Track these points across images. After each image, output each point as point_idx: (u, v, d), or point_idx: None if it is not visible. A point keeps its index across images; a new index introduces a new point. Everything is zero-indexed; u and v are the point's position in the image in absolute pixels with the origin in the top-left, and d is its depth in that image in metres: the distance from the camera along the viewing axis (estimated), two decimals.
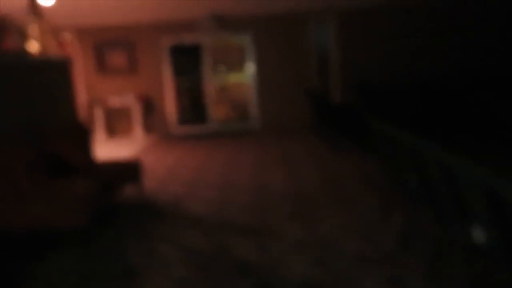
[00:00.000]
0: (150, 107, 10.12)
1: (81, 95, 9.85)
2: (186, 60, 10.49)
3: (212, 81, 10.34)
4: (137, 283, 3.23)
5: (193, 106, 10.77)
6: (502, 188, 1.96)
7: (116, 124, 10.22)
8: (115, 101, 9.85)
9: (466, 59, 9.57)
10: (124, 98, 9.86)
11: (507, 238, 2.10)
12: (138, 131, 9.89)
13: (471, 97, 8.07)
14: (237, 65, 10.41)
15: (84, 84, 10.01)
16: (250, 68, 10.14)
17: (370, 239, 3.75)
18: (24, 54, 4.99)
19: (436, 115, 7.72)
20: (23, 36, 5.13)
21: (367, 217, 4.29)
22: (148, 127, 10.16)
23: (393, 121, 4.04)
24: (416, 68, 9.60)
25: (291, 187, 5.45)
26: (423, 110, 8.01)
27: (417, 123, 7.04)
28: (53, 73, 5.37)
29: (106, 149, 8.50)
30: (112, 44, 9.94)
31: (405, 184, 3.66)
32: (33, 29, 5.30)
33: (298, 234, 3.96)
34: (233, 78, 10.46)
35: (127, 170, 5.12)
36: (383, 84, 9.34)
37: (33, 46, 5.20)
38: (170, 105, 10.22)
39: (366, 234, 3.86)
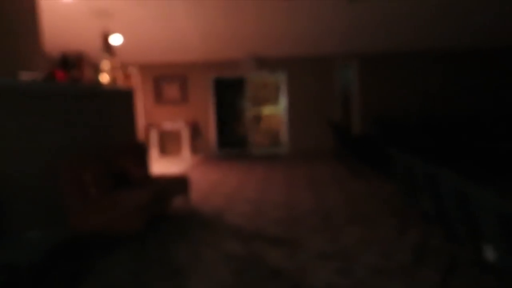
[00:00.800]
0: (197, 132, 10.25)
1: (140, 120, 10.09)
2: (229, 93, 10.63)
3: (251, 112, 10.42)
4: (183, 282, 3.23)
5: (233, 132, 10.85)
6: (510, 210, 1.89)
7: (168, 145, 10.39)
8: (168, 125, 10.03)
9: (474, 100, 9.39)
10: (176, 124, 10.04)
11: None
12: (186, 151, 10.01)
13: (476, 133, 7.89)
14: (272, 98, 10.48)
15: (143, 110, 10.26)
16: (283, 102, 10.18)
17: (388, 253, 3.64)
18: (97, 85, 5.16)
19: (441, 147, 7.53)
20: (97, 69, 5.32)
21: (384, 233, 4.18)
22: (195, 148, 10.28)
23: (406, 150, 3.96)
24: (427, 107, 9.48)
25: (317, 204, 5.38)
26: (431, 143, 7.83)
27: (425, 154, 6.89)
28: (120, 101, 5.53)
29: (159, 166, 8.63)
30: (168, 78, 10.19)
31: (420, 205, 3.56)
32: (105, 64, 5.49)
33: (323, 246, 3.89)
34: (268, 109, 10.52)
35: (177, 184, 5.16)
36: (397, 119, 9.26)
37: (104, 78, 5.38)
38: (214, 131, 10.33)
39: (384, 248, 3.76)
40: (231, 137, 11.08)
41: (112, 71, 5.57)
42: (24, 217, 3.40)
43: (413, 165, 3.42)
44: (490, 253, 2.23)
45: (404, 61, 9.59)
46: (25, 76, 3.82)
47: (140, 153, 5.45)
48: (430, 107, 9.49)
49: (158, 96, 10.26)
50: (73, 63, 4.64)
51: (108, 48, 5.66)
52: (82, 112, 4.45)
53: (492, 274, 2.35)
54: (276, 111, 10.46)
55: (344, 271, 3.30)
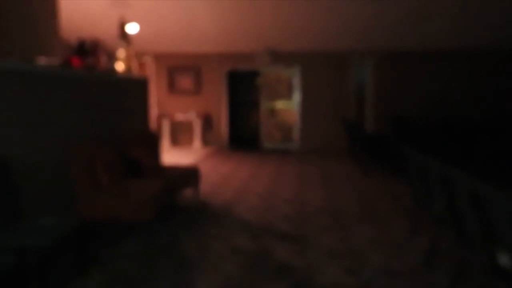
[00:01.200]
0: (209, 123, 10.26)
1: (153, 110, 10.12)
2: (243, 86, 10.62)
3: (264, 106, 10.39)
4: (190, 274, 3.24)
5: (245, 125, 10.85)
6: None
7: (180, 135, 10.42)
8: (180, 116, 10.06)
9: (493, 101, 9.26)
10: (188, 115, 10.06)
11: None
12: (197, 143, 10.04)
13: (495, 135, 7.76)
14: (285, 93, 10.43)
15: (156, 100, 10.29)
16: (296, 97, 10.13)
17: (397, 254, 3.61)
18: (113, 72, 5.18)
19: (456, 148, 7.43)
20: (113, 57, 5.33)
21: (395, 234, 4.14)
22: (206, 140, 10.30)
23: (420, 150, 3.90)
24: (443, 107, 9.37)
25: (327, 202, 5.36)
26: (447, 144, 7.73)
27: (440, 154, 6.80)
28: (134, 90, 5.54)
29: (170, 156, 8.66)
30: (182, 69, 10.19)
31: (432, 206, 3.52)
32: (120, 52, 5.50)
33: (332, 244, 3.87)
34: (281, 104, 10.48)
35: (187, 175, 5.17)
36: (412, 119, 9.17)
37: (120, 66, 5.39)
38: (226, 123, 10.33)
39: (394, 249, 3.72)
40: (243, 130, 11.08)
41: (127, 60, 5.56)
42: (36, 203, 3.43)
43: (427, 165, 3.37)
44: (504, 259, 2.19)
45: (421, 60, 9.46)
46: (42, 61, 3.84)
47: (152, 143, 5.46)
48: (447, 108, 9.37)
49: (172, 87, 10.28)
50: (89, 50, 4.65)
51: (125, 37, 5.65)
52: (97, 100, 4.47)
53: (505, 281, 2.31)
54: (289, 106, 10.41)
55: (353, 271, 3.28)
